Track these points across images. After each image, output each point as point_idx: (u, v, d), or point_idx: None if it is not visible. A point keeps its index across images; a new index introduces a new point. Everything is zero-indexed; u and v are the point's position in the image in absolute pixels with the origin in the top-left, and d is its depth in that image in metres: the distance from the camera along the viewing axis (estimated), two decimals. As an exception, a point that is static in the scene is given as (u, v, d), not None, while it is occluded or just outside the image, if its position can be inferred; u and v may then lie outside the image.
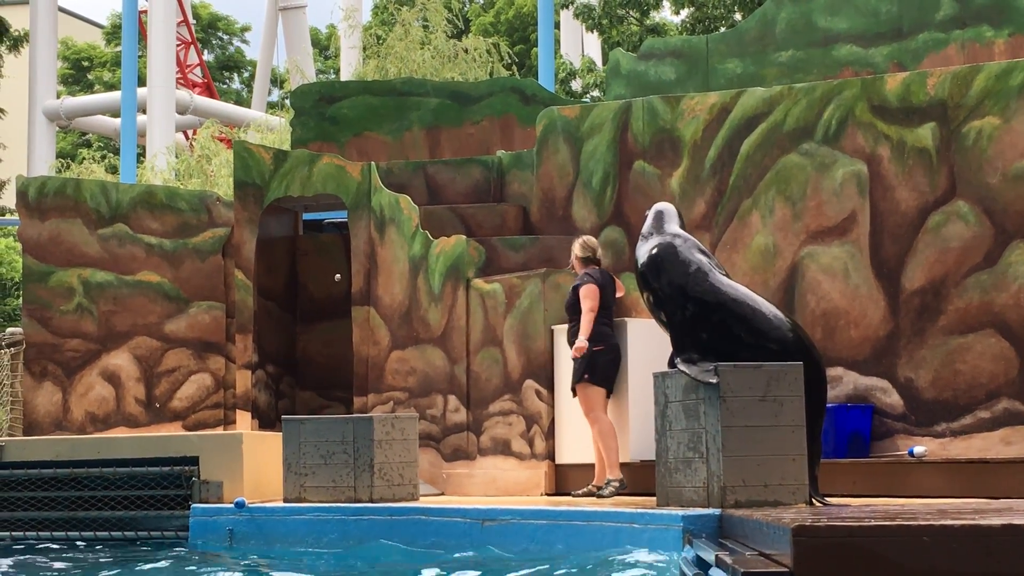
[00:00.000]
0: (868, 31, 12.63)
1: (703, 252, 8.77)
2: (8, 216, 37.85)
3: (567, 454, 11.55)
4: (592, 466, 10.75)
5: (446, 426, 12.50)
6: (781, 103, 11.52)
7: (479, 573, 7.74)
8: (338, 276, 13.97)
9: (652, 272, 8.68)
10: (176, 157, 33.25)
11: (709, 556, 6.01)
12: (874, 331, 10.82)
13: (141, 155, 39.74)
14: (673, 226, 8.91)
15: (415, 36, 26.27)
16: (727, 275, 8.79)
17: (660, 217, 9.00)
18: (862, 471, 10.19)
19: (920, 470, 10.04)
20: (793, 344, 8.34)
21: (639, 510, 8.21)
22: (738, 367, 7.87)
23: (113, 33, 55.59)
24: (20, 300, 20.03)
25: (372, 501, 10.18)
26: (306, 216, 15.25)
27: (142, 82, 39.52)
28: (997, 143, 10.45)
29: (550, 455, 11.66)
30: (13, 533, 11.55)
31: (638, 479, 10.66)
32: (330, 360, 14.28)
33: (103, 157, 36.31)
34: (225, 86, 59.92)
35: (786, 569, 4.68)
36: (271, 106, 51.11)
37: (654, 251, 8.70)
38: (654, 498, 8.60)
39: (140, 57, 39.64)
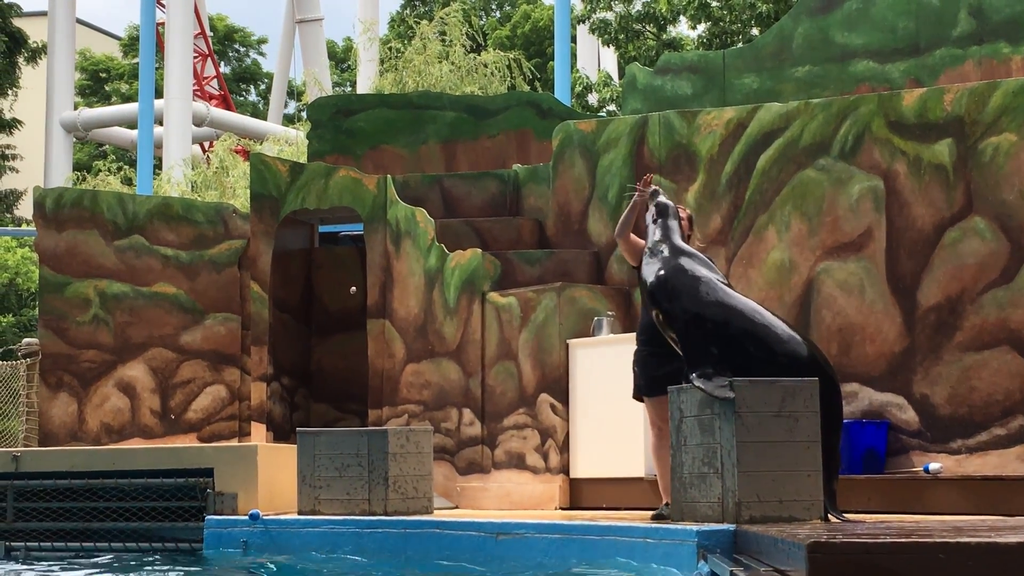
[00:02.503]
0: (885, 47, 12.62)
1: (709, 268, 8.75)
2: (25, 227, 37.95)
3: (582, 468, 11.55)
4: (611, 480, 10.68)
5: (461, 440, 12.51)
6: (798, 118, 11.52)
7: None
8: (353, 289, 13.98)
9: (661, 291, 8.64)
10: (192, 169, 33.34)
11: (724, 572, 6.01)
12: (890, 347, 10.80)
13: (157, 167, 39.84)
14: (678, 240, 8.85)
15: (433, 50, 26.32)
16: (732, 288, 8.76)
17: (667, 231, 8.91)
18: (877, 487, 10.17)
19: (935, 487, 10.02)
20: (803, 358, 8.32)
21: (653, 525, 8.19)
22: (753, 382, 7.86)
23: (130, 45, 55.78)
24: (36, 311, 20.08)
25: (386, 514, 10.18)
26: (322, 229, 15.28)
27: (159, 94, 39.62)
28: (1014, 159, 10.43)
29: (564, 469, 11.66)
30: (28, 543, 11.58)
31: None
32: (345, 373, 14.30)
33: (119, 169, 36.40)
34: (242, 98, 60.07)
35: (801, 585, 4.67)
36: (288, 119, 51.22)
37: (661, 270, 8.67)
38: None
39: (157, 69, 39.73)
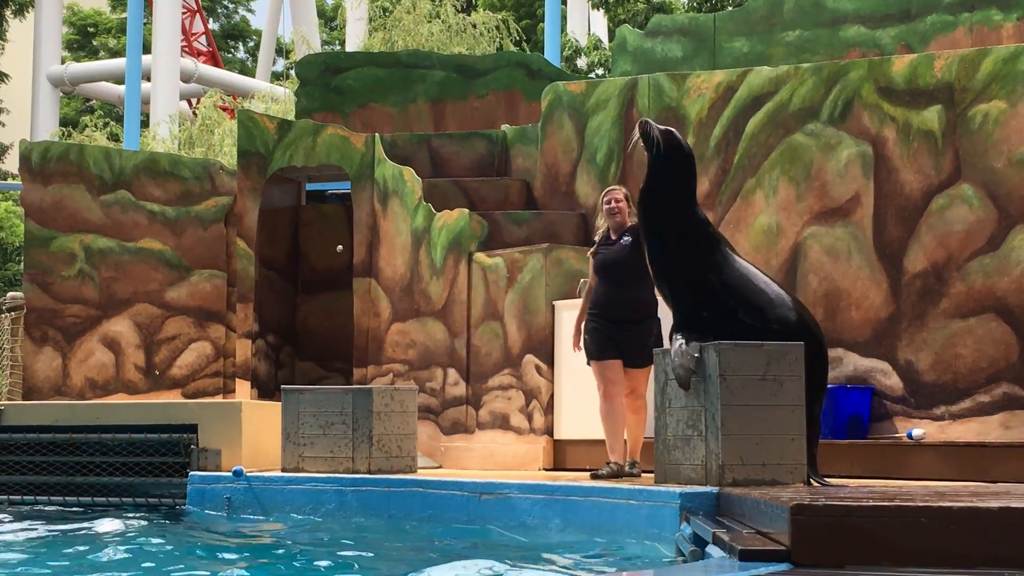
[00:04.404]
0: (876, 12, 12.60)
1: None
2: (11, 180, 37.81)
3: (565, 429, 11.56)
4: (595, 442, 10.67)
5: (445, 399, 12.51)
6: (787, 83, 11.49)
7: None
8: (340, 247, 13.96)
9: (685, 242, 8.46)
10: (179, 126, 33.19)
11: (707, 534, 6.02)
12: (875, 313, 10.81)
13: (145, 123, 39.66)
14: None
15: (423, 9, 26.19)
16: (738, 254, 8.69)
17: (688, 187, 8.71)
18: (860, 453, 10.20)
19: (918, 453, 10.05)
20: (795, 325, 8.28)
21: (637, 487, 8.21)
22: (738, 346, 7.86)
23: (119, -1, 55.48)
24: (21, 265, 20.01)
25: (370, 472, 10.19)
26: (309, 186, 15.24)
27: (147, 49, 39.42)
28: (1003, 127, 10.43)
29: (548, 430, 11.67)
30: (11, 497, 11.58)
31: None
32: (330, 331, 14.29)
33: (105, 124, 36.20)
34: (230, 55, 59.77)
35: (783, 547, 4.69)
36: (276, 76, 50.98)
37: (693, 219, 8.48)
38: (652, 475, 8.60)
39: (145, 24, 39.54)
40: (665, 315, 8.90)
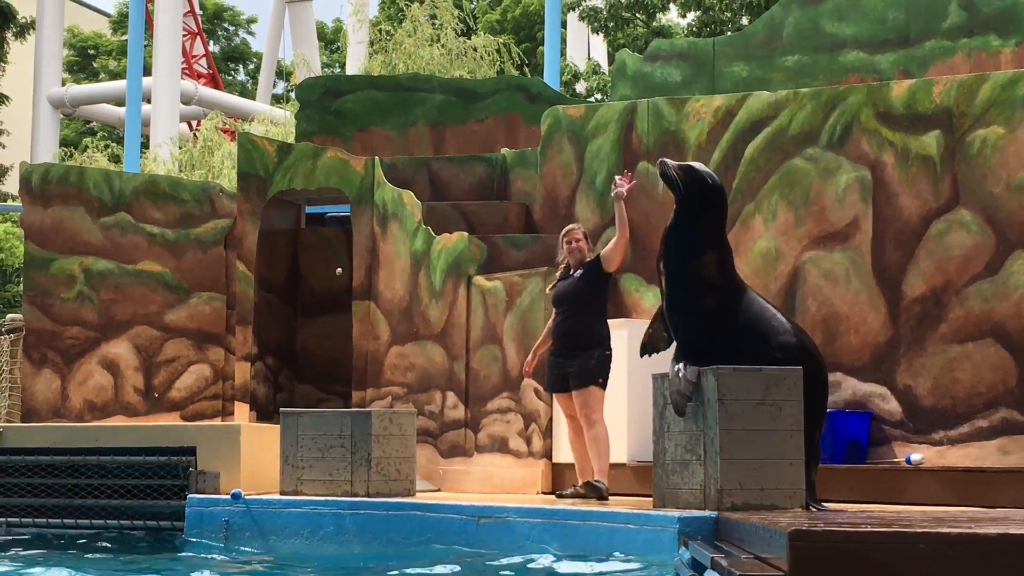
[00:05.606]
0: (875, 37, 12.63)
1: None
2: (11, 202, 37.83)
3: (564, 453, 11.54)
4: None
5: (444, 422, 12.51)
6: (786, 107, 11.52)
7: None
8: (339, 270, 13.97)
9: (716, 269, 8.49)
10: (180, 148, 33.23)
11: (705, 558, 6.02)
12: (874, 337, 10.82)
13: (145, 145, 39.71)
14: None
15: (423, 33, 26.26)
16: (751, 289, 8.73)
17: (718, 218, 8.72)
18: (859, 477, 10.19)
19: (917, 478, 10.04)
20: (798, 352, 8.25)
21: (635, 511, 8.21)
22: (737, 370, 7.86)
23: (120, 22, 55.54)
24: (21, 287, 20.02)
25: (368, 496, 10.18)
26: (309, 209, 15.26)
27: (147, 72, 39.50)
28: (1001, 152, 10.45)
29: (547, 454, 11.67)
30: (9, 519, 11.56)
31: (636, 480, 10.67)
32: (329, 354, 14.29)
33: (106, 146, 36.27)
34: (230, 78, 59.89)
35: (781, 573, 4.68)
36: (276, 99, 51.07)
37: (721, 253, 8.53)
38: (651, 499, 8.60)
39: (146, 46, 39.63)
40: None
